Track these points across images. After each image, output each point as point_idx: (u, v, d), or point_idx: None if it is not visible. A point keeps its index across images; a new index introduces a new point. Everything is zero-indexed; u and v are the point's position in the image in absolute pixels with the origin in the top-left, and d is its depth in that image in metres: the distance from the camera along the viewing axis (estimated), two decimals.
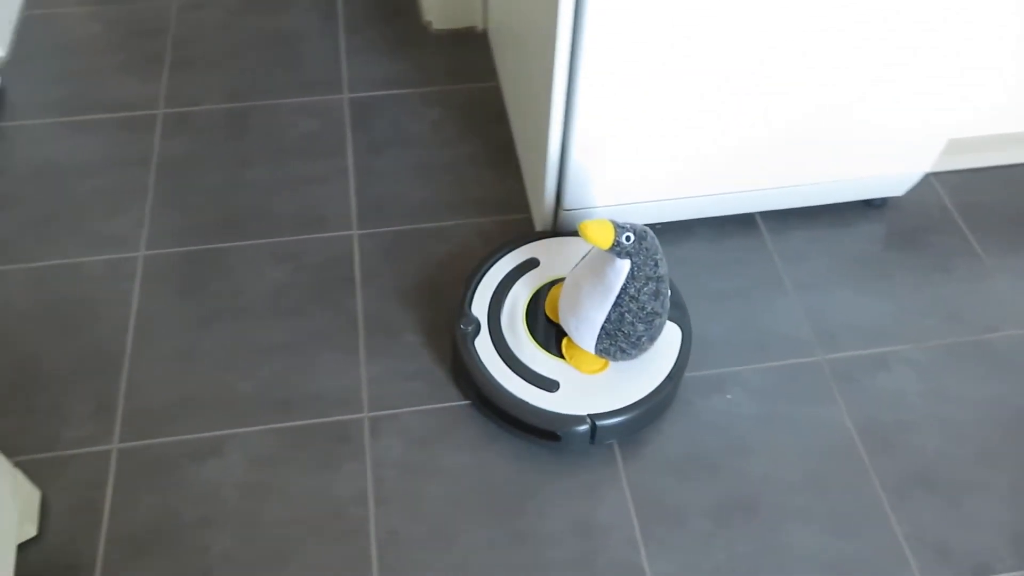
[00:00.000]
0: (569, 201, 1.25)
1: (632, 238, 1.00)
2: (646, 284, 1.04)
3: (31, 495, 1.05)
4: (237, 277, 1.30)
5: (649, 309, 1.05)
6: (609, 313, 1.05)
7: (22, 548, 1.03)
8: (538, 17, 1.13)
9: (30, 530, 1.03)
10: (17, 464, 1.08)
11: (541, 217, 1.30)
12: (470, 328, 1.15)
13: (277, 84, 1.58)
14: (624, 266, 1.02)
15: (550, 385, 1.11)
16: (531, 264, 1.23)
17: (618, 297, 1.04)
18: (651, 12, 1.00)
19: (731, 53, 1.07)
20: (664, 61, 1.06)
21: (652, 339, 1.10)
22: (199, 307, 1.27)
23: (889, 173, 1.34)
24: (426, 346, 1.24)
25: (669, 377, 1.13)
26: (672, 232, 1.38)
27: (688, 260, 1.35)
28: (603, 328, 1.07)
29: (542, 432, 1.11)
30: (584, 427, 1.09)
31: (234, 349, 1.22)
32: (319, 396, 1.18)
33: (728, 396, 1.20)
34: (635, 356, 1.11)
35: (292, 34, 1.67)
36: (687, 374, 1.18)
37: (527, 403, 1.10)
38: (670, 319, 1.17)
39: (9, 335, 1.22)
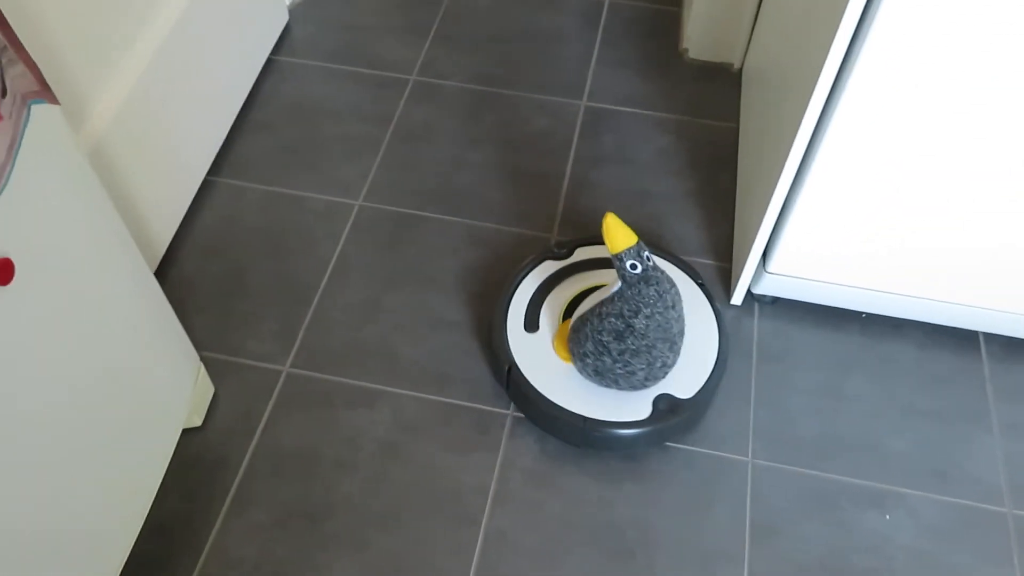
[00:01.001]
0: (775, 264, 1.19)
1: (638, 268, 1.01)
2: (617, 318, 1.04)
3: (206, 389, 1.16)
4: (433, 248, 1.36)
5: (604, 339, 1.06)
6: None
7: (185, 434, 1.14)
8: (798, 70, 1.08)
9: (196, 420, 1.14)
10: (202, 358, 1.20)
11: (741, 271, 1.25)
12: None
13: (524, 77, 1.62)
14: (615, 286, 1.04)
15: None
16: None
17: (593, 307, 1.07)
18: (915, 92, 0.92)
19: (995, 152, 0.97)
20: (918, 145, 0.98)
21: (599, 373, 1.10)
22: (393, 265, 1.34)
23: None
24: None
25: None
26: (878, 326, 1.28)
27: (889, 361, 1.24)
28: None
29: None
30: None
31: (412, 315, 1.28)
32: (475, 380, 1.21)
33: (887, 516, 1.10)
34: (596, 380, 1.12)
35: (553, 32, 1.71)
36: (847, 479, 1.09)
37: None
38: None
39: (230, 244, 1.36)
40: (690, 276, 1.25)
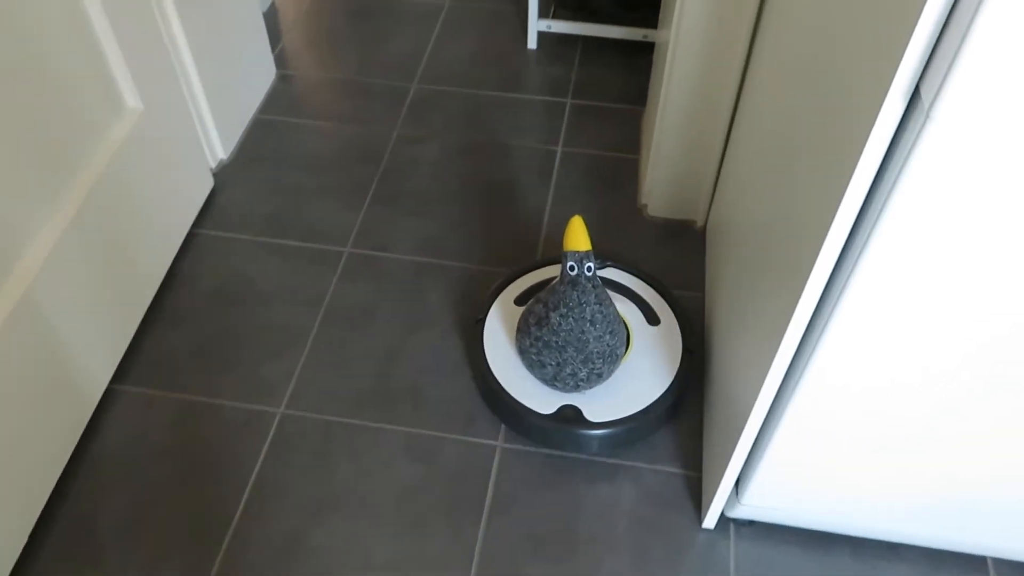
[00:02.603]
0: (749, 495, 1.04)
1: (574, 271, 1.10)
2: (543, 306, 1.13)
3: None
4: (367, 464, 1.20)
5: (529, 321, 1.16)
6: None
7: None
8: (781, 237, 0.94)
9: None
10: None
11: (713, 496, 1.09)
12: None
13: (471, 244, 1.49)
14: (562, 284, 1.11)
15: None
16: None
17: (536, 296, 1.17)
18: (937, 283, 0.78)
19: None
20: (937, 343, 0.83)
21: (521, 352, 1.19)
22: (319, 487, 1.18)
23: None
24: None
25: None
26: (872, 548, 1.12)
27: None
28: None
29: None
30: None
31: (341, 555, 1.11)
32: None
33: None
34: (520, 358, 1.21)
35: (502, 187, 1.58)
36: None
37: None
38: None
39: (133, 472, 1.19)
40: (683, 341, 1.27)
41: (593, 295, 1.11)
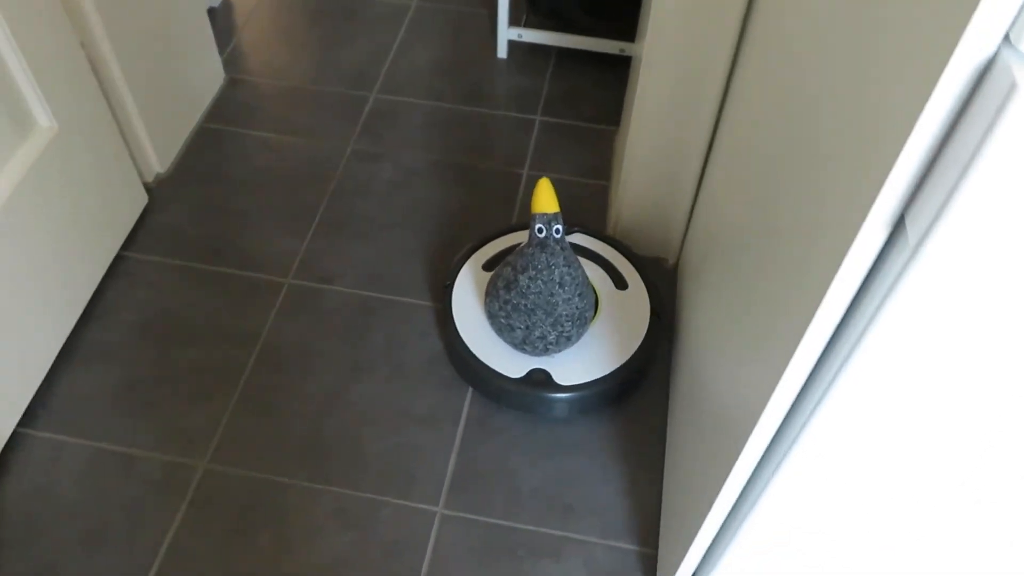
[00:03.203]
0: (707, 568, 0.94)
1: (543, 234, 1.08)
2: (512, 269, 1.12)
3: None
4: (292, 530, 1.10)
5: (498, 284, 1.15)
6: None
7: None
8: (767, 310, 0.84)
9: None
10: None
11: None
12: None
13: (422, 277, 1.37)
14: (530, 247, 1.10)
15: None
16: None
17: (505, 260, 1.16)
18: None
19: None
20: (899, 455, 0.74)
21: (491, 315, 1.18)
22: (237, 560, 1.07)
23: None
24: None
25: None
26: None
27: None
28: None
29: None
30: None
31: None
32: None
33: None
34: (489, 323, 1.20)
35: (461, 213, 1.47)
36: None
37: None
38: None
39: (36, 532, 1.08)
40: (651, 304, 1.25)
41: (562, 257, 1.10)
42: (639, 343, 1.21)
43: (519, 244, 1.26)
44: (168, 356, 1.26)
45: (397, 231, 1.44)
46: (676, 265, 1.41)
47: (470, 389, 1.24)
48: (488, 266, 1.29)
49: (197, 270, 1.37)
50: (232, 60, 1.73)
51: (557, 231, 1.09)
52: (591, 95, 1.69)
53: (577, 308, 1.13)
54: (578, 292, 1.13)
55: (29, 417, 1.18)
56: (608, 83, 1.71)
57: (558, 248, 1.10)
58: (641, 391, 1.25)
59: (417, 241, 1.42)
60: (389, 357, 1.27)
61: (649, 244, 1.40)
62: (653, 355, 1.23)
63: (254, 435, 1.18)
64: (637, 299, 1.26)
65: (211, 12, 1.80)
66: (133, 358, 1.26)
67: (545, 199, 1.09)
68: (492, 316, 1.18)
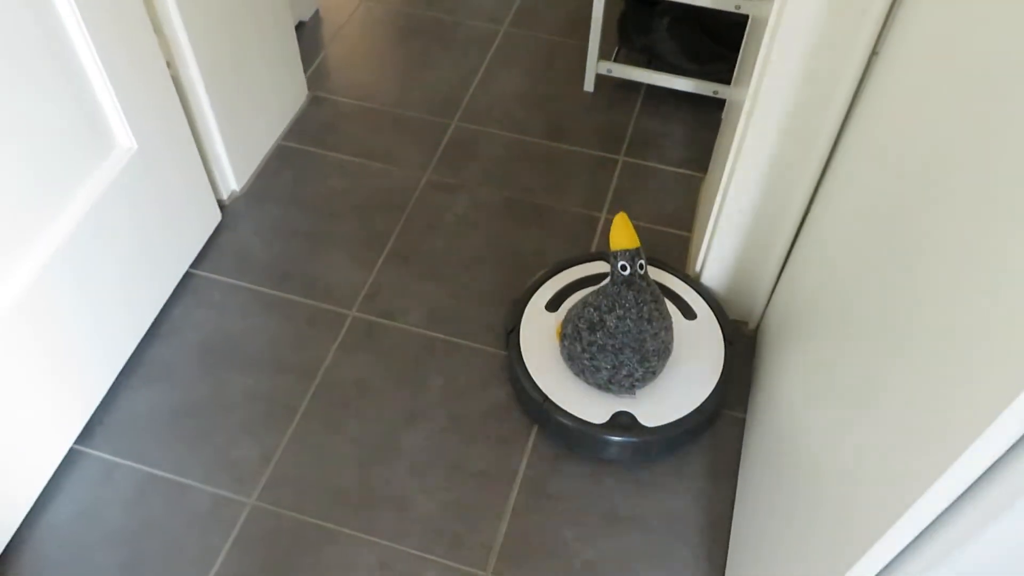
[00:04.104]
0: None
1: (627, 271, 1.05)
2: (595, 310, 1.08)
3: None
4: None
5: (580, 326, 1.10)
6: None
7: None
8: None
9: None
10: None
11: None
12: None
13: (483, 320, 1.33)
14: (614, 285, 1.07)
15: None
16: None
17: (585, 296, 1.13)
18: None
19: None
20: None
21: (571, 358, 1.14)
22: None
23: None
24: None
25: None
26: None
27: None
28: None
29: None
30: None
31: None
32: None
33: None
34: (568, 364, 1.16)
35: (533, 256, 1.42)
36: None
37: None
38: None
39: (77, 557, 1.07)
40: (723, 333, 1.23)
41: (648, 293, 1.08)
42: (719, 373, 1.18)
43: (577, 280, 1.28)
44: (226, 381, 1.24)
45: (465, 270, 1.40)
46: (756, 330, 1.32)
47: (529, 446, 1.19)
48: (551, 306, 1.25)
49: (262, 294, 1.35)
50: (316, 76, 1.71)
51: (641, 266, 1.06)
52: (678, 137, 1.62)
53: (663, 342, 1.11)
54: (664, 326, 1.10)
55: (86, 434, 1.18)
56: (699, 124, 1.64)
57: (644, 284, 1.07)
58: (714, 428, 1.18)
59: (485, 282, 1.38)
60: (447, 405, 1.23)
61: (729, 306, 1.32)
62: (732, 385, 1.21)
63: (304, 475, 1.15)
64: (708, 328, 1.23)
65: (300, 26, 1.80)
66: (192, 380, 1.24)
67: (625, 234, 1.06)
68: (573, 358, 1.14)
